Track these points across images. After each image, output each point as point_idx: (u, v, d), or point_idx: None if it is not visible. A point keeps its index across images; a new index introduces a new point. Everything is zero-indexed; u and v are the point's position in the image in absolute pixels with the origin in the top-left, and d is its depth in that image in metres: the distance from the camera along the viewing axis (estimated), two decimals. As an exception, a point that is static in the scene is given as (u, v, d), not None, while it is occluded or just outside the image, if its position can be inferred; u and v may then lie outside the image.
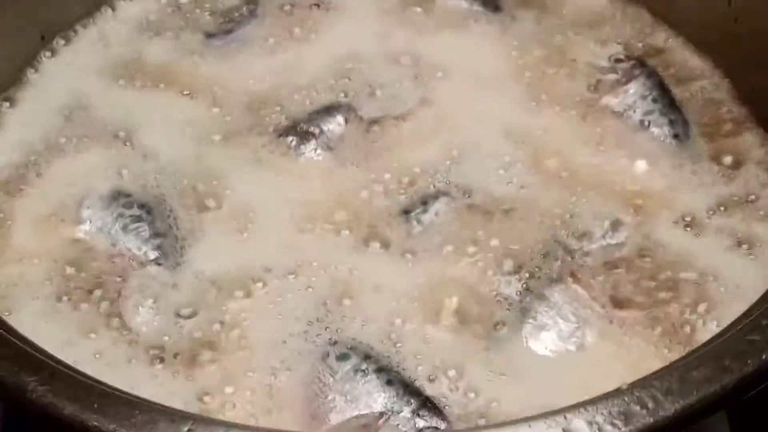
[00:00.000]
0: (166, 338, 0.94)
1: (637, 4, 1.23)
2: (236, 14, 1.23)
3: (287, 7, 1.24)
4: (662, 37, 1.21)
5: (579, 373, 0.92)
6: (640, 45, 1.20)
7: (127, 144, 1.09)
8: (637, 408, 0.72)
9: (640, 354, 0.93)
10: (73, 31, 1.20)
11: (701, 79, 1.16)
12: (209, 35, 1.21)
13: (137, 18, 1.22)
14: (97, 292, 0.97)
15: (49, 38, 1.18)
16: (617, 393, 0.73)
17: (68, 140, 1.10)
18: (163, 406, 0.75)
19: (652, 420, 0.72)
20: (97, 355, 0.93)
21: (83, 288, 0.98)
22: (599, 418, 0.72)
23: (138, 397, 0.74)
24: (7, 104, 1.13)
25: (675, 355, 0.91)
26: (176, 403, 0.86)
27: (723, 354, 0.75)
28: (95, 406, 0.72)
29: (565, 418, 0.73)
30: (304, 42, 1.20)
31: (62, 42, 1.19)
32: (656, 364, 0.88)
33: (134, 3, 1.23)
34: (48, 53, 1.18)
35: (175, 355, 0.93)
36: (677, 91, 1.14)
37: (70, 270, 0.99)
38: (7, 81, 1.14)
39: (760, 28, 1.10)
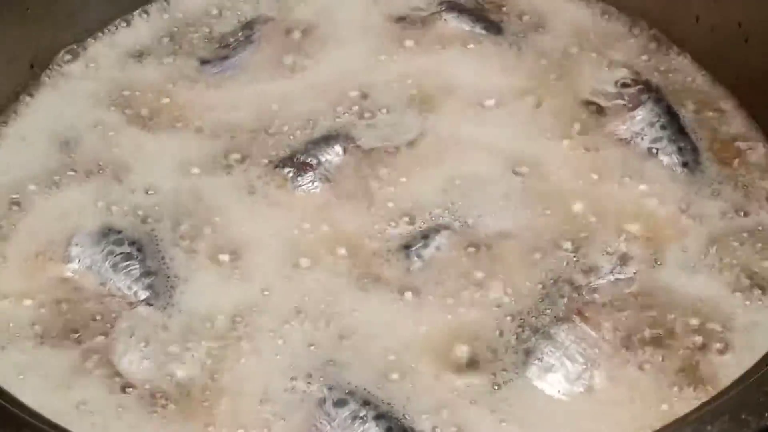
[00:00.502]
0: (156, 385, 0.91)
1: (644, 26, 1.20)
2: (232, 40, 1.20)
3: (284, 33, 1.20)
4: (670, 60, 1.17)
5: (588, 417, 0.89)
6: (647, 68, 1.16)
7: (118, 178, 1.06)
8: (649, 466, 0.68)
9: (651, 397, 0.90)
10: (63, 60, 1.16)
11: (711, 103, 1.13)
12: (204, 62, 1.17)
13: (129, 45, 1.19)
14: (85, 335, 0.94)
15: (39, 67, 1.15)
16: (628, 450, 0.70)
17: (57, 174, 1.06)
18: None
19: (665, 479, 0.68)
20: (83, 403, 0.90)
21: (70, 330, 0.94)
22: (609, 477, 0.69)
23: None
24: (-5, 136, 1.10)
25: (687, 398, 0.89)
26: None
27: (740, 406, 0.71)
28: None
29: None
30: (301, 69, 1.16)
31: (52, 71, 1.16)
32: (667, 408, 0.86)
33: (126, 30, 1.20)
34: (37, 83, 1.14)
35: (166, 403, 0.90)
36: (686, 116, 1.11)
37: (56, 311, 0.96)
38: (-4, 112, 1.11)
39: (772, 49, 1.07)
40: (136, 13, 1.21)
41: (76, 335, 0.94)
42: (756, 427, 0.70)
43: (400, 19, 1.21)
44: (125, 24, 1.20)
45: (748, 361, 0.84)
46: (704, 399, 0.85)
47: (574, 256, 0.99)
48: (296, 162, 1.06)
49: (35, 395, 0.85)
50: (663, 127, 1.09)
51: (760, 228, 1.02)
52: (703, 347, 0.92)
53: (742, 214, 1.03)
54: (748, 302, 0.96)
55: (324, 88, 1.14)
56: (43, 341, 0.94)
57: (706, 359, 0.91)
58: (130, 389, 0.90)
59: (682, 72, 1.16)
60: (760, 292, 0.96)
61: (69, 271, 0.98)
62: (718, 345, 0.92)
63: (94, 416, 0.89)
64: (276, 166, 1.06)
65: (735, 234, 1.01)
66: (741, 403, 0.72)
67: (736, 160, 1.08)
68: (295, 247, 1.00)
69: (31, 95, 1.13)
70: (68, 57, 1.17)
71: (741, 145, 1.10)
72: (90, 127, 1.10)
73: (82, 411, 0.89)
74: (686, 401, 0.87)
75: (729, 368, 0.90)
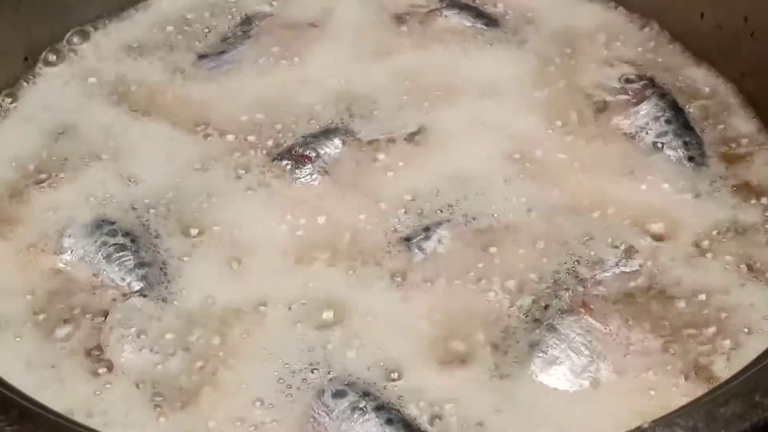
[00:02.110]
0: (151, 376, 0.88)
1: (648, 21, 1.18)
2: (229, 35, 1.18)
3: (282, 29, 1.19)
4: (675, 55, 1.16)
5: (593, 410, 0.86)
6: (651, 64, 1.15)
7: (112, 169, 1.04)
8: (661, 448, 0.66)
9: (657, 389, 0.87)
10: (58, 52, 1.15)
11: (716, 98, 1.12)
12: (201, 56, 1.16)
13: (125, 38, 1.18)
14: (78, 325, 0.92)
15: (33, 59, 1.13)
16: (639, 432, 0.67)
17: (51, 165, 1.05)
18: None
19: (676, 461, 0.66)
20: (76, 393, 0.87)
21: (63, 321, 0.92)
22: (619, 459, 0.67)
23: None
24: (-12, 128, 1.08)
25: (694, 389, 0.86)
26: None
27: (752, 389, 0.70)
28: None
29: (582, 459, 0.67)
30: (299, 63, 1.15)
31: (47, 63, 1.14)
32: (675, 401, 0.83)
33: (123, 23, 1.19)
34: (31, 75, 1.13)
35: (160, 395, 0.87)
36: (691, 111, 1.09)
37: (49, 303, 0.93)
38: (-12, 103, 1.10)
39: (778, 43, 1.06)
40: (132, 6, 1.20)
41: (69, 326, 0.92)
42: (770, 410, 0.68)
43: (400, 15, 1.20)
44: (122, 17, 1.19)
45: (757, 350, 0.82)
46: (712, 390, 0.82)
47: (579, 249, 0.97)
48: (295, 154, 1.04)
49: (27, 386, 0.82)
50: (668, 122, 1.07)
51: (763, 220, 1.00)
52: (710, 338, 0.90)
53: (746, 207, 1.01)
54: (754, 293, 0.93)
55: (323, 82, 1.13)
56: (36, 333, 0.91)
57: (713, 350, 0.89)
58: (124, 381, 0.88)
59: (687, 68, 1.15)
60: (766, 282, 0.94)
61: (62, 262, 0.96)
62: (724, 336, 0.90)
63: (88, 408, 0.86)
64: (274, 159, 1.04)
65: (740, 227, 0.99)
66: (754, 386, 0.70)
67: (742, 155, 1.06)
68: (294, 240, 0.98)
69: (25, 87, 1.12)
70: (63, 49, 1.16)
71: (746, 140, 1.08)
72: (85, 120, 1.09)
73: (76, 398, 0.86)
74: (694, 392, 0.85)
75: (737, 358, 0.87)
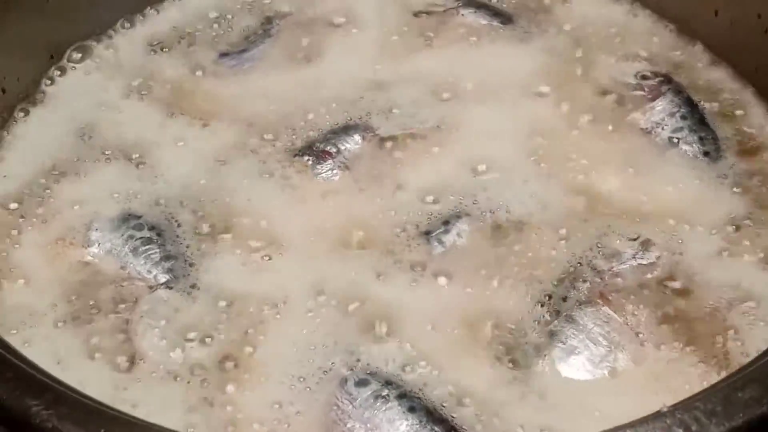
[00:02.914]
0: (178, 365, 0.90)
1: (662, 18, 1.19)
2: (250, 33, 1.20)
3: (302, 27, 1.20)
4: (690, 52, 1.17)
5: (612, 399, 0.87)
6: (666, 61, 1.16)
7: (138, 165, 1.06)
8: (680, 431, 0.67)
9: (675, 379, 0.89)
10: (83, 50, 1.17)
11: (731, 94, 1.13)
12: (222, 54, 1.17)
13: (148, 37, 1.19)
14: (105, 317, 0.93)
15: (59, 57, 1.15)
16: (658, 416, 0.69)
17: (78, 161, 1.06)
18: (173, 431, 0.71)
19: (695, 445, 0.67)
20: (105, 382, 0.89)
21: (91, 312, 0.94)
22: (639, 443, 0.68)
23: (148, 423, 0.70)
24: (16, 124, 1.10)
25: (712, 377, 0.87)
26: (190, 432, 0.83)
27: (769, 374, 0.70)
28: (101, 431, 0.68)
29: (603, 443, 0.68)
30: (319, 60, 1.16)
31: (72, 61, 1.16)
32: (693, 388, 0.85)
33: (146, 22, 1.20)
34: (58, 72, 1.15)
35: (187, 382, 0.89)
36: (706, 107, 1.11)
37: (77, 294, 0.95)
38: (16, 100, 1.11)
39: (792, 39, 1.07)
40: (155, 6, 1.21)
41: (98, 317, 0.93)
42: (787, 394, 0.69)
43: (418, 14, 1.22)
44: (145, 16, 1.20)
45: (773, 338, 0.84)
46: (730, 379, 0.83)
47: (597, 242, 0.98)
48: (315, 150, 1.06)
49: (59, 375, 0.84)
50: (683, 117, 1.09)
51: (780, 215, 1.01)
52: (727, 327, 0.91)
53: (762, 201, 1.02)
54: (770, 282, 0.95)
55: (342, 80, 1.14)
56: (64, 324, 0.93)
57: (730, 340, 0.90)
58: (151, 371, 0.90)
59: (702, 64, 1.16)
60: (784, 272, 0.96)
61: (89, 255, 0.98)
62: (741, 324, 0.91)
63: (116, 397, 0.88)
64: (295, 155, 1.06)
65: (756, 220, 1.00)
66: (771, 370, 0.71)
67: (757, 150, 1.08)
68: (315, 233, 1.00)
69: (50, 85, 1.14)
70: (88, 47, 1.17)
71: (761, 134, 1.09)
72: (109, 116, 1.11)
73: (106, 385, 0.88)
74: (711, 379, 0.86)
75: (755, 346, 0.89)
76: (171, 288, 0.95)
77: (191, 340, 0.92)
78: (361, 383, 0.87)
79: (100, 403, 0.71)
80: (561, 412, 0.87)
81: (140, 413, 0.79)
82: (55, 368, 0.87)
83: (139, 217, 1.00)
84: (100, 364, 0.90)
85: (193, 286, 0.95)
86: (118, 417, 0.70)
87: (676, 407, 0.69)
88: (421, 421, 0.84)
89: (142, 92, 1.13)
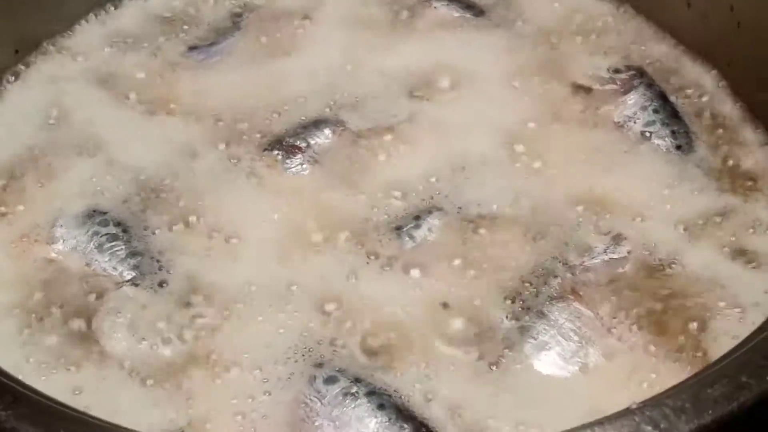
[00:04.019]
0: (144, 362, 0.89)
1: (635, 12, 1.19)
2: (219, 26, 1.18)
3: (272, 20, 1.19)
4: (662, 46, 1.17)
5: (583, 394, 0.87)
6: (639, 54, 1.16)
7: (104, 160, 1.04)
8: (649, 428, 0.67)
9: (646, 373, 0.88)
10: (49, 44, 1.15)
11: (703, 88, 1.13)
12: (191, 48, 1.16)
13: (116, 31, 1.18)
14: (71, 314, 0.92)
15: (24, 52, 1.14)
16: (627, 413, 0.68)
17: (42, 157, 1.05)
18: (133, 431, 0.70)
19: (664, 442, 0.67)
20: (70, 380, 0.87)
21: (56, 310, 0.92)
22: (607, 440, 0.67)
23: (108, 423, 0.69)
24: (-21, 120, 1.09)
25: (684, 373, 0.87)
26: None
27: (740, 370, 0.70)
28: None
29: (571, 440, 0.67)
30: (289, 54, 1.15)
31: (38, 55, 1.14)
32: (664, 383, 0.84)
33: (114, 15, 1.19)
34: (22, 67, 1.13)
35: (154, 380, 0.87)
36: (679, 101, 1.10)
37: (42, 292, 0.94)
38: (-20, 96, 1.10)
39: (763, 32, 1.06)
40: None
41: (62, 315, 0.92)
42: (757, 390, 0.68)
43: (389, 6, 1.20)
44: (113, 10, 1.19)
45: (745, 333, 0.83)
46: (702, 374, 0.83)
47: (568, 237, 0.97)
48: (285, 145, 1.05)
49: (20, 373, 0.83)
50: (655, 111, 1.08)
51: (751, 209, 1.01)
52: (698, 322, 0.91)
53: (734, 194, 1.02)
54: (741, 276, 0.94)
55: (312, 73, 1.13)
56: (28, 321, 0.92)
57: (701, 334, 0.90)
58: (116, 368, 0.88)
59: (675, 57, 1.16)
60: (752, 266, 0.95)
61: (54, 252, 0.97)
62: (712, 319, 0.91)
63: (82, 395, 0.86)
64: (265, 149, 1.05)
65: (727, 213, 1.00)
66: (741, 366, 0.70)
67: (729, 144, 1.07)
68: (285, 228, 0.99)
69: (15, 79, 1.12)
70: (54, 41, 1.16)
71: (733, 128, 1.09)
72: (75, 111, 1.09)
73: (70, 390, 0.87)
74: (682, 375, 0.86)
75: (725, 341, 0.88)
76: (137, 285, 0.94)
77: (157, 337, 0.90)
78: (330, 380, 0.86)
79: (60, 403, 0.70)
80: (532, 407, 0.86)
81: (103, 412, 0.78)
82: (17, 365, 0.86)
83: (105, 213, 0.99)
84: (64, 363, 0.89)
85: (160, 283, 0.94)
86: (78, 417, 0.69)
87: (645, 404, 0.69)
88: (390, 419, 0.83)
89: (110, 87, 1.11)
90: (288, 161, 1.04)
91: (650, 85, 1.11)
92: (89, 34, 1.17)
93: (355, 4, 1.20)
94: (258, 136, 1.06)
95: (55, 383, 0.87)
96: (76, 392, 0.87)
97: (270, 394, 0.86)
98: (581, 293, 0.93)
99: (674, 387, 0.70)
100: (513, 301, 0.93)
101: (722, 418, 0.68)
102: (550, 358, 0.89)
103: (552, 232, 0.98)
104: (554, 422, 0.82)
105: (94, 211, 0.99)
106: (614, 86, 1.11)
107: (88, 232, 0.97)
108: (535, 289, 0.93)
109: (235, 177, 1.03)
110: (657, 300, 0.93)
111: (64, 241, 0.97)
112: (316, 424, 0.84)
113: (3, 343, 0.90)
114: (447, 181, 1.02)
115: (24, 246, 0.98)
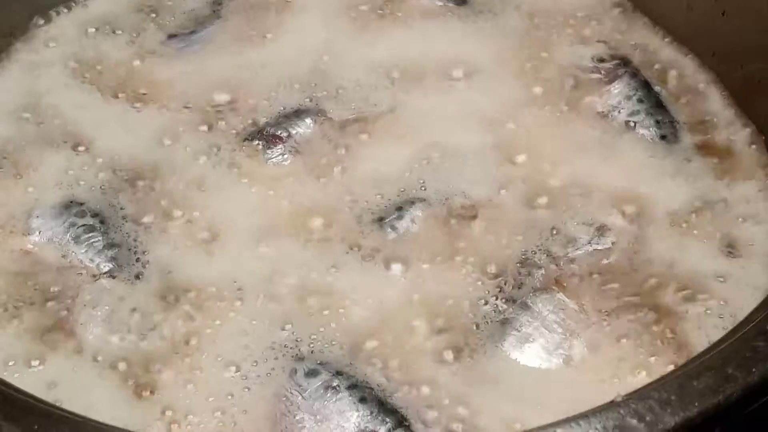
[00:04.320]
0: (122, 357, 0.87)
1: (620, 1, 1.18)
2: (199, 15, 1.17)
3: (252, 8, 1.17)
4: (646, 35, 1.16)
5: (567, 387, 0.86)
6: (623, 44, 1.14)
7: (81, 150, 1.03)
8: (634, 421, 0.66)
9: (631, 365, 0.87)
10: (27, 32, 1.13)
11: (688, 78, 1.12)
12: (170, 36, 1.14)
13: (94, 19, 1.16)
14: (47, 306, 0.90)
15: (1, 40, 1.11)
16: (612, 405, 0.67)
17: (19, 146, 1.03)
18: (114, 428, 0.68)
19: (650, 434, 0.66)
20: (46, 374, 0.86)
21: (32, 302, 0.91)
22: (592, 434, 0.66)
23: (82, 417, 0.67)
24: (-45, 109, 1.07)
25: (668, 365, 0.86)
26: (134, 427, 0.80)
27: (725, 362, 0.69)
28: (35, 427, 0.65)
29: (555, 434, 0.66)
30: (269, 43, 1.14)
31: (13, 44, 1.12)
32: (648, 376, 0.84)
33: (91, 4, 1.17)
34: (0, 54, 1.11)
35: (131, 376, 0.86)
36: (663, 90, 1.09)
37: (17, 284, 0.92)
38: (-44, 84, 1.08)
39: (748, 22, 1.05)
40: (102, -13, 1.18)
41: (38, 307, 0.90)
42: (743, 382, 0.67)
43: (371, -6, 1.19)
44: (89, -1, 1.17)
45: (730, 324, 0.82)
46: (686, 366, 0.82)
47: (552, 227, 0.97)
48: (266, 134, 1.03)
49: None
50: (640, 101, 1.07)
51: (736, 198, 1.00)
52: (684, 313, 0.90)
53: (719, 184, 1.01)
54: (726, 267, 0.94)
55: (293, 62, 1.11)
56: (3, 314, 0.90)
57: (686, 326, 0.89)
58: (93, 362, 0.87)
59: (659, 48, 1.15)
60: (737, 256, 0.95)
61: (30, 243, 0.95)
62: (698, 311, 0.90)
63: (57, 389, 0.85)
64: (245, 139, 1.04)
65: (712, 203, 0.99)
66: (727, 358, 0.69)
67: (713, 134, 1.06)
68: (266, 219, 0.97)
69: (-7, 67, 1.10)
70: (30, 31, 1.14)
71: (718, 118, 1.08)
72: (52, 102, 1.08)
73: (45, 384, 0.85)
74: (667, 366, 0.85)
75: (710, 333, 0.88)
76: (114, 277, 0.92)
77: (134, 330, 0.89)
78: (311, 373, 0.85)
79: (34, 398, 0.68)
80: (515, 400, 0.85)
81: (78, 407, 0.76)
82: (-9, 361, 0.85)
83: (82, 204, 0.97)
84: (39, 356, 0.87)
85: (137, 276, 0.93)
86: (52, 412, 0.67)
87: (630, 397, 0.68)
88: (372, 412, 0.82)
89: (87, 75, 1.10)
90: (269, 151, 1.02)
91: (635, 74, 1.10)
92: (66, 22, 1.15)
93: (337, -9, 1.18)
94: (239, 125, 1.05)
95: (29, 377, 0.85)
96: (51, 386, 0.85)
97: (250, 389, 0.85)
98: (565, 284, 0.92)
99: (660, 379, 0.70)
100: (496, 294, 0.91)
101: (708, 410, 0.67)
102: (533, 351, 0.88)
103: (536, 223, 0.97)
104: (538, 415, 0.82)
105: (71, 201, 0.97)
106: (598, 75, 1.10)
107: (64, 223, 0.95)
108: (519, 281, 0.92)
109: (214, 167, 1.01)
110: (642, 291, 0.92)
111: (40, 232, 0.95)
112: (297, 417, 0.83)
113: (-24, 335, 0.89)
114: (430, 172, 1.01)
115: (-1, 237, 0.96)
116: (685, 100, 1.09)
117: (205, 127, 1.05)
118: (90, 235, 0.94)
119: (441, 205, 0.98)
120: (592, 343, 0.88)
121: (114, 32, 1.14)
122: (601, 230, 0.96)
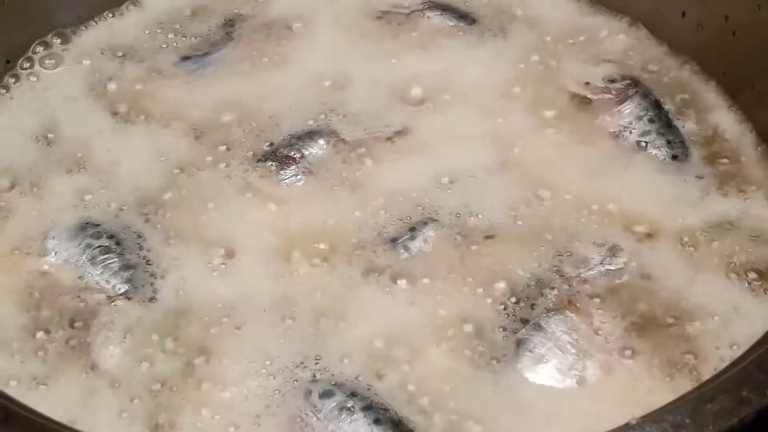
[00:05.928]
0: (136, 378, 0.88)
1: (629, 20, 1.18)
2: (212, 37, 1.17)
3: (264, 30, 1.18)
4: (657, 54, 1.16)
5: (581, 408, 0.86)
6: (634, 64, 1.15)
7: (97, 172, 1.03)
8: (649, 445, 0.66)
9: (645, 387, 0.88)
10: (39, 56, 1.14)
11: (699, 96, 1.12)
12: (184, 58, 1.15)
13: (108, 41, 1.16)
14: (63, 327, 0.91)
15: (14, 63, 1.12)
16: (626, 428, 0.67)
17: (35, 168, 1.04)
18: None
19: (664, 458, 0.66)
20: (63, 397, 0.87)
21: (48, 324, 0.91)
22: (607, 456, 0.66)
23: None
24: (-30, 132, 1.07)
25: (680, 387, 0.86)
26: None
27: (740, 384, 0.69)
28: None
29: (570, 456, 0.67)
30: (282, 64, 1.14)
31: (29, 66, 1.13)
32: (663, 397, 0.83)
33: (104, 25, 1.18)
34: (12, 79, 1.12)
35: (145, 396, 0.86)
36: (674, 110, 1.10)
37: (34, 306, 0.93)
38: (-30, 107, 1.09)
39: (759, 41, 1.06)
40: (114, 10, 1.19)
41: (55, 329, 0.91)
42: (758, 405, 0.68)
43: (383, 17, 1.20)
44: (104, 20, 1.18)
45: (743, 346, 0.82)
46: (699, 388, 0.82)
47: (564, 248, 0.97)
48: (279, 155, 1.04)
49: (12, 389, 0.83)
50: (651, 121, 1.08)
51: (749, 218, 1.00)
52: (696, 335, 0.90)
53: (730, 203, 1.01)
54: (739, 289, 0.94)
55: (306, 82, 1.12)
56: (20, 335, 0.91)
57: (699, 348, 0.89)
58: (109, 383, 0.88)
59: (670, 67, 1.15)
60: (751, 278, 0.95)
61: (46, 264, 0.96)
62: (710, 332, 0.90)
63: (72, 411, 0.85)
64: (259, 160, 1.04)
65: (724, 225, 0.99)
66: (741, 381, 0.70)
67: (725, 153, 1.07)
68: (279, 240, 0.98)
69: (5, 93, 1.11)
70: (45, 53, 1.15)
71: (729, 137, 1.08)
72: (67, 123, 1.08)
73: (62, 405, 0.86)
74: (680, 391, 0.85)
75: (723, 355, 0.88)
76: (130, 298, 0.93)
77: (151, 351, 0.90)
78: (326, 395, 0.85)
79: (54, 422, 0.69)
80: (530, 420, 0.86)
81: (92, 429, 0.77)
82: (9, 381, 0.86)
83: (98, 226, 0.98)
84: (56, 377, 0.88)
85: (153, 297, 0.93)
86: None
87: (644, 419, 0.68)
88: (386, 433, 0.83)
89: (102, 98, 1.10)
90: (282, 172, 1.03)
91: (645, 94, 1.10)
92: (80, 45, 1.16)
93: (349, 14, 1.19)
94: (252, 146, 1.05)
95: (46, 397, 0.86)
96: (67, 407, 0.86)
97: (265, 411, 0.86)
98: (578, 305, 0.92)
99: (674, 402, 0.70)
100: (510, 314, 0.92)
101: (722, 433, 0.67)
102: (547, 371, 0.89)
103: (548, 243, 0.97)
104: (551, 436, 0.82)
105: (87, 223, 0.98)
106: (609, 96, 1.11)
107: (80, 244, 0.96)
108: (531, 302, 0.93)
109: (228, 188, 1.02)
110: (655, 312, 0.92)
111: (56, 253, 0.96)
112: (312, 438, 0.83)
113: (-8, 358, 0.89)
114: (442, 192, 1.01)
115: (16, 259, 0.97)
116: (696, 119, 1.09)
117: (218, 149, 1.05)
118: (106, 256, 0.95)
119: (453, 226, 0.99)
120: (605, 364, 0.89)
121: (127, 55, 1.15)
122: (613, 250, 0.97)
